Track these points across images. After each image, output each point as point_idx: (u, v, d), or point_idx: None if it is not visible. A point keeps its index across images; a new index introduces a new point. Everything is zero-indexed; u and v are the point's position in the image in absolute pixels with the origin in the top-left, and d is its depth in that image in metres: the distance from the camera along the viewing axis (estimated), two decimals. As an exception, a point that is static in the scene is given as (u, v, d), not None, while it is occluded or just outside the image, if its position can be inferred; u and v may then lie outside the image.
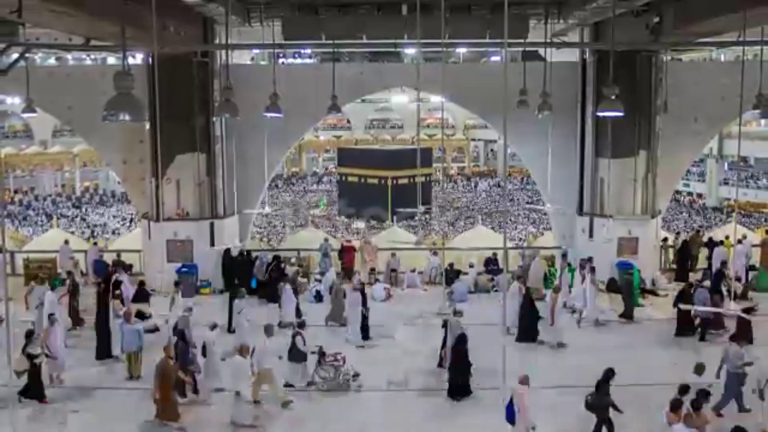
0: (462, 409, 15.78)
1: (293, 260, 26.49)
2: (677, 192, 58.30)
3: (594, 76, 25.50)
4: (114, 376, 17.69)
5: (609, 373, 13.87)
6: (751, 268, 25.34)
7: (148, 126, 24.33)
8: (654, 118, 25.47)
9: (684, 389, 13.24)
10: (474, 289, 24.67)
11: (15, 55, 23.00)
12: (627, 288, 22.21)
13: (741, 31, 19.49)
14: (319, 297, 23.98)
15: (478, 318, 19.20)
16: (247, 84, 24.45)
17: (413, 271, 25.82)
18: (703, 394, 13.04)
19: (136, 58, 26.42)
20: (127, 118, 11.62)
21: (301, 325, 17.48)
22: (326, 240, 28.09)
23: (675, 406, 12.61)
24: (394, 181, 61.26)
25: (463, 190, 76.46)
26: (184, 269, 24.62)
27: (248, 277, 24.66)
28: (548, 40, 24.69)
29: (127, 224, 55.94)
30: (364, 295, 20.35)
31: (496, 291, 24.38)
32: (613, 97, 17.23)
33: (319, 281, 24.52)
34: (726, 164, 65.52)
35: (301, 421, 15.46)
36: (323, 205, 67.34)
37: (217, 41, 25.08)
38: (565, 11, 23.66)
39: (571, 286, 22.50)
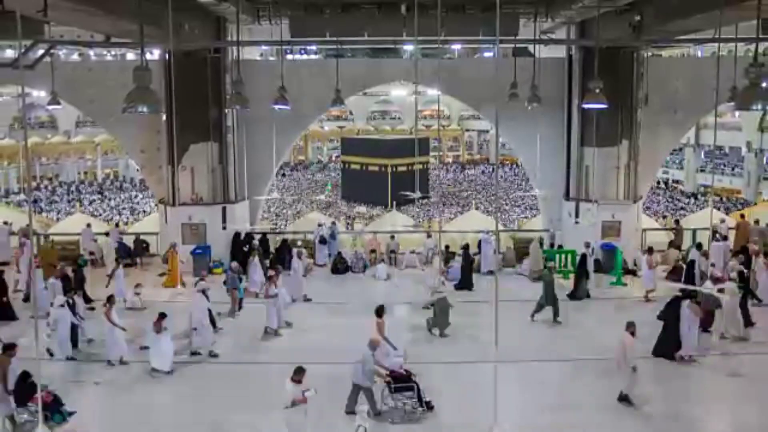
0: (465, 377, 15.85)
1: (300, 242, 26.53)
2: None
3: (580, 70, 25.43)
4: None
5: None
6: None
7: (164, 117, 24.31)
8: (635, 110, 25.41)
9: None
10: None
11: (41, 52, 22.94)
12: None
13: (716, 29, 19.49)
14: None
15: (471, 296, 19.25)
16: (257, 78, 24.42)
17: (412, 252, 25.86)
18: None
19: (154, 54, 26.35)
20: (145, 109, 11.63)
21: None
22: (333, 224, 28.07)
23: None
24: (394, 169, 61.39)
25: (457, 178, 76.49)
26: (198, 251, 24.69)
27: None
28: (537, 38, 24.62)
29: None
30: None
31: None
32: (598, 91, 17.26)
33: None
34: (702, 153, 65.55)
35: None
36: (329, 190, 67.39)
37: (228, 38, 25.01)
38: (553, 10, 23.61)
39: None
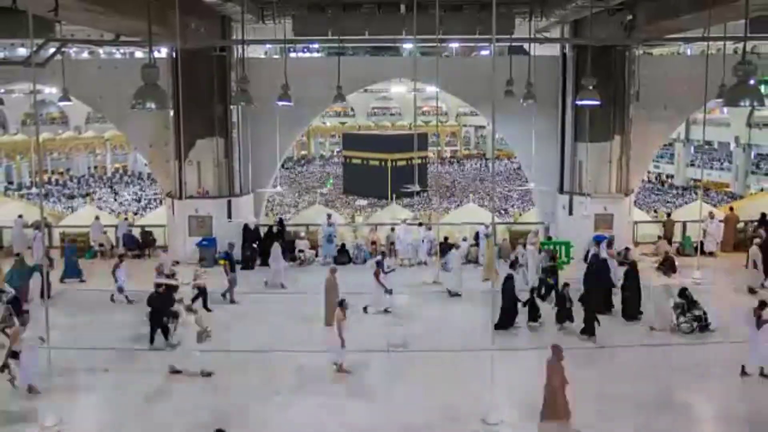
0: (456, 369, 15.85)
1: (303, 234, 26.52)
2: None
3: (573, 68, 25.36)
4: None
5: None
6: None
7: (171, 113, 24.30)
8: (627, 106, 25.38)
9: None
10: (466, 260, 24.66)
11: (52, 50, 22.93)
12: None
13: (705, 28, 19.48)
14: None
15: (469, 284, 19.22)
16: (261, 76, 24.40)
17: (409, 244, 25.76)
18: None
19: (161, 53, 26.32)
20: (152, 106, 11.63)
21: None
22: (329, 216, 27.41)
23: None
24: (394, 163, 61.42)
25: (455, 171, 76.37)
26: (204, 243, 24.73)
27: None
28: (532, 36, 24.60)
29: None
30: None
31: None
32: (591, 88, 17.31)
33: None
34: (692, 147, 65.55)
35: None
36: (330, 184, 67.35)
37: (233, 37, 24.97)
38: (548, 10, 23.57)
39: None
